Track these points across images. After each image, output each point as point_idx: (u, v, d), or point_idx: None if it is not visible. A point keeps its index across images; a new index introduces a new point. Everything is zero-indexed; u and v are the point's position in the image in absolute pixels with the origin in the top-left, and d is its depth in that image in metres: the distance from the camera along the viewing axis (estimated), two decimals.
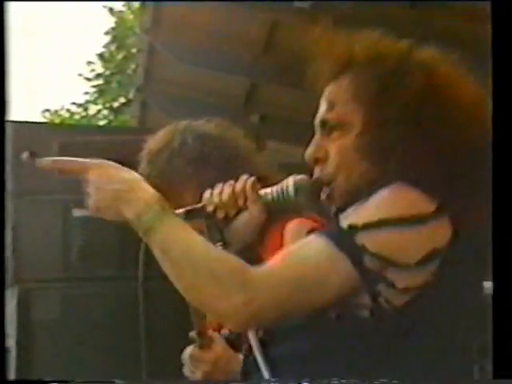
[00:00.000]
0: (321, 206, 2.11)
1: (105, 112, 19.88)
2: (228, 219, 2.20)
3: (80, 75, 20.08)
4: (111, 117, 19.47)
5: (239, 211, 2.20)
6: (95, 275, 4.52)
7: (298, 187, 2.12)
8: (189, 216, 2.16)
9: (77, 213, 4.52)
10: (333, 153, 2.05)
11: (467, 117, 2.02)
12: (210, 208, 2.20)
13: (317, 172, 2.07)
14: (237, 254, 2.05)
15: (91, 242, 4.48)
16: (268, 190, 2.17)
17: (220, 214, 2.19)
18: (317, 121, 2.09)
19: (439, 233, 1.91)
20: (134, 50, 16.04)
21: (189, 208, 2.19)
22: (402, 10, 5.94)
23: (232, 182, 2.22)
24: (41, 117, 19.35)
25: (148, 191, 1.96)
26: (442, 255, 1.90)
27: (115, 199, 1.96)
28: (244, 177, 2.22)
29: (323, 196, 2.05)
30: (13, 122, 4.65)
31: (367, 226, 1.87)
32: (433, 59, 2.07)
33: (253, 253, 2.28)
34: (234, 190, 2.20)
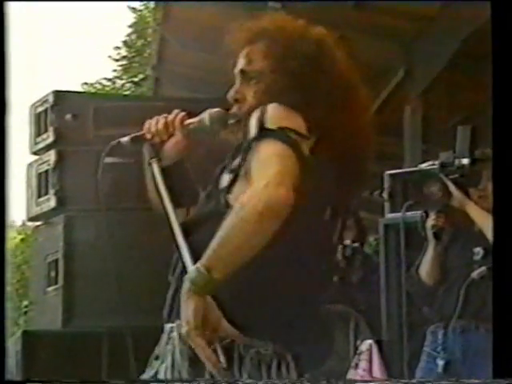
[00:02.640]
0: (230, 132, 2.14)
1: (128, 85, 19.73)
2: (162, 143, 2.20)
3: (109, 57, 19.93)
4: (133, 89, 19.32)
5: (170, 136, 2.19)
6: (120, 206, 4.52)
7: (211, 118, 2.14)
8: (134, 142, 2.23)
9: (107, 160, 4.51)
10: (249, 96, 2.09)
11: (343, 79, 2.08)
12: (148, 135, 2.20)
13: (234, 109, 2.12)
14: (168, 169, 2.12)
15: (117, 181, 4.47)
16: (191, 120, 2.18)
17: (156, 139, 2.19)
18: (236, 71, 2.14)
19: None
20: (149, 39, 15.89)
21: (132, 136, 2.23)
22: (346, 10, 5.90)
23: (166, 114, 2.21)
24: (80, 88, 19.18)
25: None
26: None
27: None
28: (175, 111, 2.21)
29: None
30: (58, 91, 4.65)
31: None
32: (323, 35, 2.12)
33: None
34: (166, 121, 2.18)
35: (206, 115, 2.15)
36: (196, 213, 2.13)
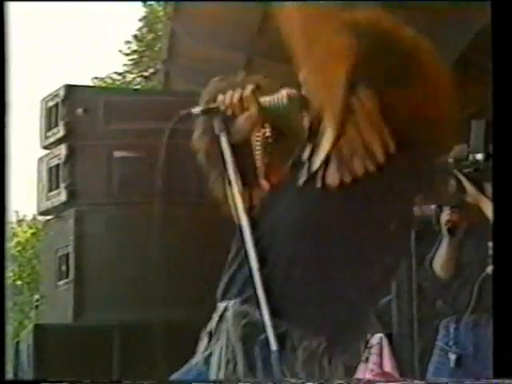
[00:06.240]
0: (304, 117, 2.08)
1: (138, 79, 19.74)
2: (234, 117, 2.13)
3: (120, 51, 19.95)
4: (143, 83, 19.34)
5: (243, 111, 2.12)
6: (130, 200, 4.52)
7: (289, 98, 2.08)
8: (205, 113, 2.14)
9: (117, 154, 4.52)
10: None
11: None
12: (222, 108, 2.13)
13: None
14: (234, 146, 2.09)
15: (127, 176, 4.48)
16: (267, 98, 2.12)
17: (228, 113, 2.12)
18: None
19: None
20: (160, 33, 15.89)
21: (205, 108, 2.15)
22: None
23: (240, 89, 2.14)
24: (91, 82, 19.20)
25: None
26: None
27: None
28: (250, 85, 2.14)
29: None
30: (69, 85, 4.66)
31: None
32: (414, 41, 2.04)
33: None
34: (241, 95, 2.12)
35: (283, 94, 2.09)
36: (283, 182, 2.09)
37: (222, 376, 1.93)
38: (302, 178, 2.01)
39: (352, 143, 1.96)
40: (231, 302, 1.98)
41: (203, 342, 2.05)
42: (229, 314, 1.97)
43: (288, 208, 2.01)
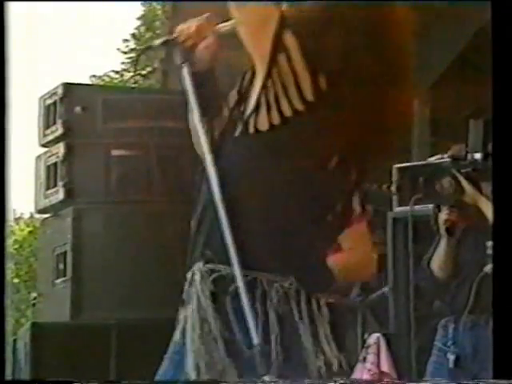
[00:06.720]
0: None
1: (136, 77, 19.74)
2: (194, 47, 2.13)
3: (118, 49, 19.94)
4: (141, 81, 19.32)
5: (202, 40, 2.14)
6: (128, 199, 4.52)
7: None
8: (165, 45, 2.17)
9: (115, 152, 4.51)
10: None
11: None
12: (181, 38, 2.14)
13: None
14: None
15: (125, 174, 4.48)
16: (224, 24, 2.13)
17: (189, 43, 2.13)
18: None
19: None
20: (158, 31, 15.88)
21: (164, 39, 2.17)
22: None
23: (198, 18, 2.15)
24: (88, 80, 19.18)
25: None
26: None
27: None
28: (207, 14, 2.16)
29: None
30: (67, 83, 4.65)
31: None
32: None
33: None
34: (198, 24, 2.13)
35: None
36: (224, 134, 2.06)
37: (197, 338, 1.92)
38: (238, 127, 1.99)
39: (280, 83, 1.94)
40: (195, 266, 1.97)
41: (179, 315, 2.04)
42: (196, 276, 1.97)
43: (229, 159, 1.99)
